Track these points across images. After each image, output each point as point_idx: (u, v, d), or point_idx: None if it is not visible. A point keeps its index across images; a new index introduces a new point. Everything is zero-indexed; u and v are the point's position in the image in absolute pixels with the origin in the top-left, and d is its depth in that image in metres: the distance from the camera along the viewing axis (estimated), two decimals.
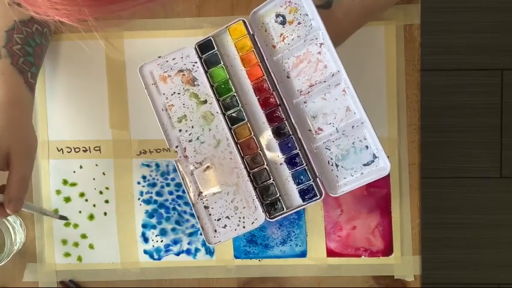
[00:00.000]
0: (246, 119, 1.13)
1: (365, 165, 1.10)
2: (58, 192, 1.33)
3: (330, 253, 1.32)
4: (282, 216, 1.13)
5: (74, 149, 1.32)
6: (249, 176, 1.13)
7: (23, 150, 1.11)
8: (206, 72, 1.15)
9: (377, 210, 1.30)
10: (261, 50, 1.12)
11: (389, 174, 1.11)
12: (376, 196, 1.30)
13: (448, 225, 2.48)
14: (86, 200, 1.34)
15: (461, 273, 2.50)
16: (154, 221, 1.33)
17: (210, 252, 1.33)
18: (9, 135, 1.10)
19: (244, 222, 1.15)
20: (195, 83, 1.16)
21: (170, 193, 1.32)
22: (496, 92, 2.44)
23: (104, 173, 1.33)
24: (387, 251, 1.31)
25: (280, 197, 1.13)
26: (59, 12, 0.69)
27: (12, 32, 1.15)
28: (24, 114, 1.15)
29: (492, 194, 2.48)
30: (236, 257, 1.33)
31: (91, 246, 1.34)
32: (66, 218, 1.32)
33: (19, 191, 1.09)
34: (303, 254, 1.32)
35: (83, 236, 1.34)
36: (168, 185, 1.32)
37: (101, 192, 1.33)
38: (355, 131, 1.10)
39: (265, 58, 1.12)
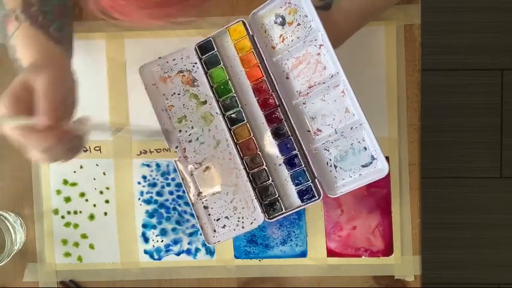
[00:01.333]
0: (246, 120, 1.14)
1: (363, 166, 1.10)
2: (58, 192, 1.33)
3: (330, 253, 1.32)
4: (281, 216, 1.13)
5: None
6: (248, 176, 1.14)
7: (42, 68, 1.00)
8: (206, 73, 1.15)
9: (377, 210, 1.30)
10: (261, 51, 1.12)
11: (389, 175, 1.11)
12: (376, 196, 1.30)
13: (448, 225, 2.48)
14: (87, 200, 1.34)
15: (461, 273, 2.50)
16: (154, 221, 1.33)
17: (210, 252, 1.33)
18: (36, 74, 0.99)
19: (243, 222, 1.15)
20: (195, 83, 1.16)
21: (171, 193, 1.32)
22: (496, 92, 2.44)
23: (104, 173, 1.33)
24: (388, 251, 1.31)
25: (279, 198, 1.13)
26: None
27: None
28: (62, 70, 1.05)
29: (492, 194, 2.48)
30: (236, 257, 1.33)
31: (91, 246, 1.34)
32: (120, 129, 1.13)
33: (47, 101, 0.96)
34: (303, 254, 1.32)
35: (84, 236, 1.34)
36: (168, 185, 1.32)
37: (101, 192, 1.33)
38: (354, 132, 1.10)
39: (264, 59, 1.12)
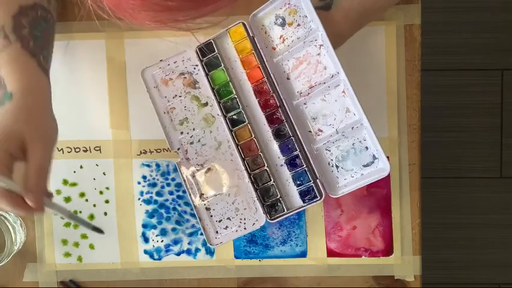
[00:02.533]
0: (247, 121, 1.14)
1: (364, 166, 1.10)
2: (58, 192, 1.33)
3: (330, 253, 1.32)
4: (283, 217, 1.13)
5: (74, 149, 1.32)
6: (249, 177, 1.14)
7: (39, 137, 1.05)
8: (207, 74, 1.15)
9: (377, 210, 1.30)
10: (261, 52, 1.12)
11: (389, 174, 1.12)
12: (376, 196, 1.30)
13: (448, 225, 2.49)
14: (86, 200, 1.34)
15: (461, 273, 2.51)
16: (154, 221, 1.33)
17: (210, 252, 1.33)
18: (25, 122, 1.05)
19: (245, 223, 1.16)
20: (196, 85, 1.17)
21: (171, 193, 1.32)
22: (496, 92, 2.45)
23: (104, 173, 1.33)
24: (388, 251, 1.31)
25: (280, 198, 1.13)
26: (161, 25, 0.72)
27: (19, 17, 1.11)
28: (41, 100, 1.10)
29: (492, 194, 2.48)
30: (236, 257, 1.33)
31: (91, 246, 1.34)
32: (101, 231, 1.15)
33: (38, 181, 1.02)
34: (303, 254, 1.32)
35: (84, 236, 1.34)
36: (168, 185, 1.32)
37: (101, 192, 1.33)
38: (355, 132, 1.10)
39: (265, 60, 1.12)
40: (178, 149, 1.17)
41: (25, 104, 1.06)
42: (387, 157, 1.23)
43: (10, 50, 1.10)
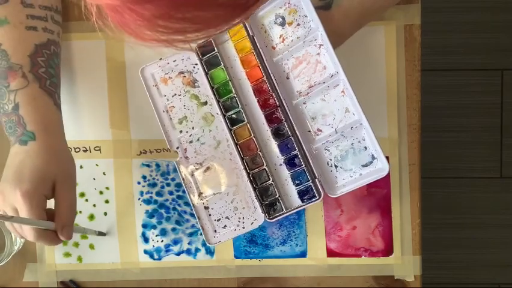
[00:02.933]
0: (246, 120, 1.14)
1: (363, 166, 1.10)
2: None
3: (330, 253, 1.32)
4: (281, 216, 1.13)
5: (74, 149, 1.32)
6: (248, 176, 1.14)
7: (66, 176, 1.13)
8: (206, 73, 1.15)
9: (377, 210, 1.30)
10: (261, 52, 1.12)
11: (389, 174, 1.11)
12: (376, 196, 1.30)
13: (447, 225, 2.49)
14: (86, 200, 1.34)
15: (461, 273, 2.51)
16: (154, 221, 1.33)
17: (210, 252, 1.33)
18: (55, 164, 1.11)
19: (243, 222, 1.15)
20: (196, 84, 1.17)
21: (171, 193, 1.32)
22: (496, 92, 2.44)
23: (104, 173, 1.33)
24: (388, 251, 1.31)
25: (279, 198, 1.13)
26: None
27: (35, 56, 1.15)
28: (61, 138, 1.16)
29: (492, 194, 2.48)
30: (236, 257, 1.33)
31: (91, 247, 1.34)
32: (104, 234, 1.33)
33: (69, 218, 1.12)
34: (303, 254, 1.32)
35: (83, 236, 1.34)
36: (168, 185, 1.32)
37: (101, 192, 1.33)
38: (354, 132, 1.10)
39: (264, 59, 1.12)
40: (177, 147, 1.17)
41: (50, 145, 1.13)
42: (387, 157, 1.23)
43: (29, 89, 1.14)
